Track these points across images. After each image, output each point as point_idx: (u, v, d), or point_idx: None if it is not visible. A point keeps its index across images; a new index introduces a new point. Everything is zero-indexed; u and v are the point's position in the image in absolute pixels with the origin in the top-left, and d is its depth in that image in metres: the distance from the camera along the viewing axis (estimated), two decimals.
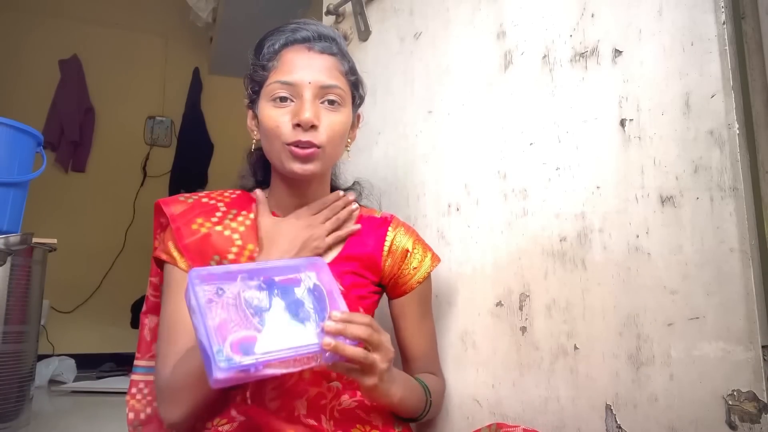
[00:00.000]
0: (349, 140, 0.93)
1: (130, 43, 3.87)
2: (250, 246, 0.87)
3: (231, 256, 0.86)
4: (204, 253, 0.86)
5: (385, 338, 0.73)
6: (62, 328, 3.32)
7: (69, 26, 3.71)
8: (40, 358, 2.35)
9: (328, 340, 0.66)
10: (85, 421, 2.07)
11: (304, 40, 0.87)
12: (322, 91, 0.84)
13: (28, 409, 1.88)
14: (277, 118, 0.84)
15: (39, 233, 1.87)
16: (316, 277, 0.74)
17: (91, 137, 3.69)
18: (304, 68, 0.85)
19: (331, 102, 0.85)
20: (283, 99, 0.84)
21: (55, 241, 1.97)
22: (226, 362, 0.61)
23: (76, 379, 2.85)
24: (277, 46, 0.87)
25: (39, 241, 1.89)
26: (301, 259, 0.79)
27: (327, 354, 0.67)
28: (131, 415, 0.90)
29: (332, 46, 0.88)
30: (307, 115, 0.82)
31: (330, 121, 0.85)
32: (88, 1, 3.77)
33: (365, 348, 0.70)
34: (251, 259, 0.86)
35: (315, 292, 0.73)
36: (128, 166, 3.78)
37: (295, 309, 0.70)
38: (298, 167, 0.84)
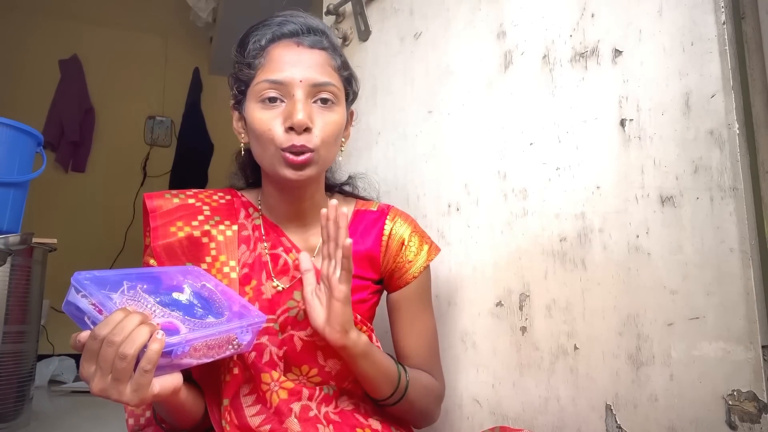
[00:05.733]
0: (343, 139, 0.87)
1: (130, 43, 3.87)
2: (222, 257, 0.83)
3: (203, 266, 0.82)
4: (175, 258, 0.82)
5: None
6: (62, 328, 3.31)
7: (69, 26, 3.71)
8: (40, 358, 2.35)
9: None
10: (86, 421, 2.06)
11: (293, 34, 0.81)
12: (315, 89, 0.79)
13: (28, 409, 1.88)
14: (267, 121, 0.78)
15: (39, 233, 1.87)
16: (197, 282, 0.77)
17: (91, 137, 3.70)
18: (293, 65, 0.79)
19: (325, 101, 0.80)
20: (272, 99, 0.78)
21: (55, 241, 1.97)
22: None
23: (76, 379, 2.84)
24: (263, 42, 0.81)
25: (39, 241, 1.89)
26: (174, 267, 0.80)
27: (241, 334, 0.71)
28: (131, 421, 0.86)
29: (323, 39, 0.83)
30: (300, 116, 0.76)
31: (324, 122, 0.79)
32: (88, 1, 3.77)
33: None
34: (220, 271, 0.82)
35: (201, 293, 0.75)
36: (128, 166, 3.78)
37: (190, 311, 0.71)
38: (292, 174, 0.78)
